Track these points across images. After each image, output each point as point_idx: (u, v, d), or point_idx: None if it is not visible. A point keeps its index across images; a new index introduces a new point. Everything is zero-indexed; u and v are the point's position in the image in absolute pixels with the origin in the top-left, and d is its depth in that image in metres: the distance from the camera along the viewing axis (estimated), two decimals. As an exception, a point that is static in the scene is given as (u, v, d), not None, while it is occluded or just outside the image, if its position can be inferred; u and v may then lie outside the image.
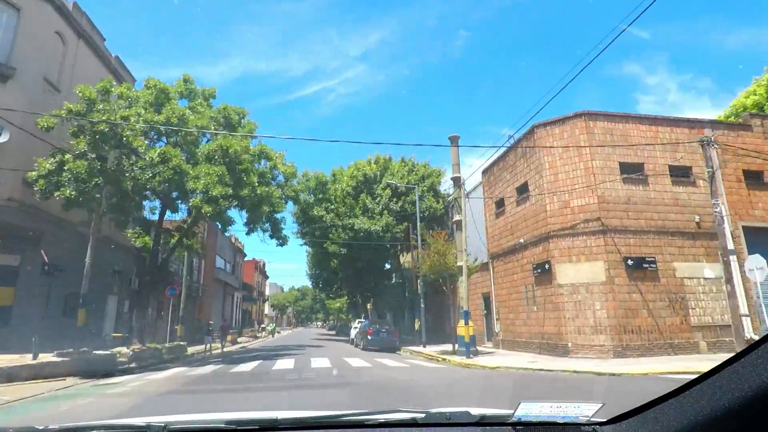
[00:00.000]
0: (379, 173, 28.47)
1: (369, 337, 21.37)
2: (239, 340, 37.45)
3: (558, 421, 1.60)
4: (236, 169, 16.03)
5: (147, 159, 14.23)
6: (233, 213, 22.36)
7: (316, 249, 35.86)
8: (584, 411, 1.58)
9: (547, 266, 16.41)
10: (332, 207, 31.05)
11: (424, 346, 22.70)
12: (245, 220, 18.64)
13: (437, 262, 18.41)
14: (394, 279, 40.66)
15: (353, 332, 27.43)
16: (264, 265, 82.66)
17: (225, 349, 26.57)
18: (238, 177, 15.93)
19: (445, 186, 28.92)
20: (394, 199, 26.82)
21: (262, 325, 57.94)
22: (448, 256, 18.51)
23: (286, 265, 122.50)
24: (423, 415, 1.76)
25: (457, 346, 18.04)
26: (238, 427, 1.72)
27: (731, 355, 1.07)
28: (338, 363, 13.57)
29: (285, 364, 13.37)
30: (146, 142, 14.88)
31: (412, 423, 1.75)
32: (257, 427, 1.75)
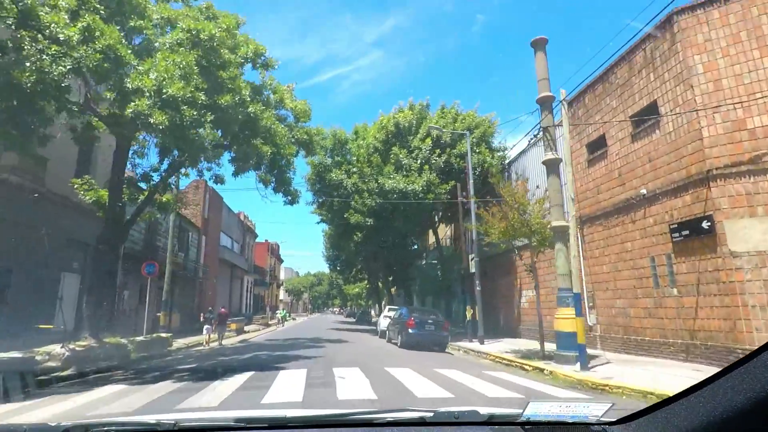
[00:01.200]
0: (414, 122, 22.40)
1: (410, 331, 15.58)
2: (247, 329, 32.29)
3: (567, 421, 1.58)
4: (214, 73, 10.18)
5: (63, 39, 8.47)
6: (224, 165, 16.71)
7: (334, 223, 30.10)
8: (594, 411, 1.55)
9: (705, 225, 10.30)
10: (354, 169, 25.18)
11: (482, 343, 16.88)
12: (232, 156, 12.85)
13: (517, 223, 12.42)
14: (425, 260, 34.85)
15: (383, 322, 21.71)
16: (278, 248, 77.65)
17: (224, 341, 21.38)
18: (218, 83, 10.08)
19: (499, 140, 22.73)
20: (437, 151, 20.72)
21: (277, 312, 52.71)
22: (532, 215, 12.52)
23: (301, 252, 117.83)
24: (431, 414, 1.73)
25: (551, 347, 12.17)
26: (248, 425, 1.70)
27: None
28: (383, 383, 7.75)
29: (290, 383, 7.64)
30: (68, 20, 9.06)
31: (421, 422, 1.72)
32: (266, 425, 1.73)
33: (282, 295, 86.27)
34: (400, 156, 21.24)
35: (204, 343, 20.57)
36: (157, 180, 14.43)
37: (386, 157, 22.67)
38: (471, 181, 18.19)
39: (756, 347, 1.00)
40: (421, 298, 35.96)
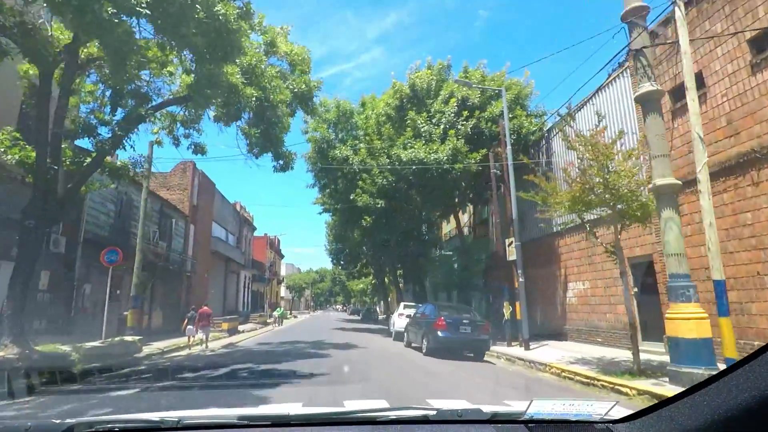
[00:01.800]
0: (434, 83, 18.78)
1: (440, 334, 12.00)
2: (242, 328, 28.93)
3: (571, 419, 1.57)
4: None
5: None
6: (205, 132, 13.12)
7: (339, 209, 26.57)
8: (598, 409, 1.55)
9: None
10: (362, 145, 21.65)
11: (527, 348, 13.37)
12: (188, 80, 9.31)
13: (598, 185, 8.83)
14: (439, 251, 31.30)
15: (398, 322, 18.18)
16: (279, 242, 74.21)
17: (210, 344, 18.10)
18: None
19: (535, 103, 19.11)
20: (465, 113, 17.07)
21: (275, 310, 49.17)
22: (621, 173, 8.90)
23: (304, 249, 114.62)
24: (434, 413, 1.73)
25: (612, 353, 8.59)
26: (251, 423, 1.70)
27: None
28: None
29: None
30: None
31: (424, 420, 1.71)
32: (269, 423, 1.73)
33: (283, 292, 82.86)
34: (418, 121, 17.63)
35: (188, 346, 17.34)
36: (106, 135, 10.90)
37: (401, 128, 19.07)
38: (509, 145, 14.61)
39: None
40: (434, 294, 32.37)
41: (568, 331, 16.46)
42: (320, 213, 33.61)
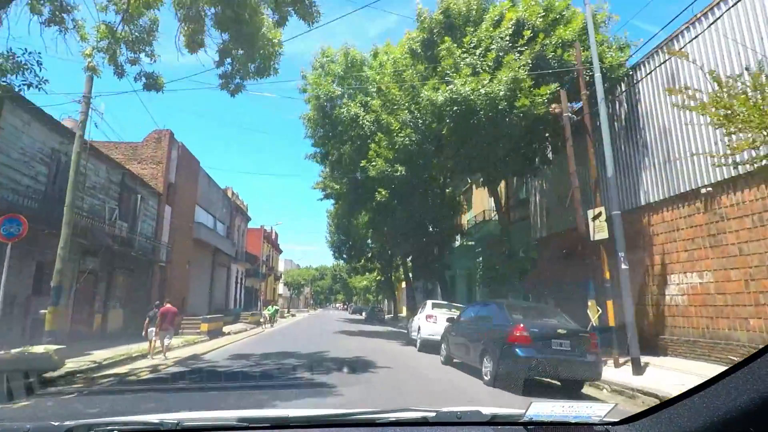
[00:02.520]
0: (475, 8, 13.94)
1: (520, 352, 7.16)
2: (228, 329, 24.51)
3: (570, 421, 1.54)
4: None
5: None
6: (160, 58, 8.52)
7: (345, 182, 21.80)
8: (597, 411, 1.52)
9: None
10: (371, 101, 16.98)
11: (637, 371, 8.70)
12: None
13: None
14: (464, 240, 26.57)
15: (425, 326, 13.38)
16: (276, 236, 69.45)
17: (170, 353, 13.77)
18: None
19: (614, 31, 14.22)
20: (526, 33, 12.01)
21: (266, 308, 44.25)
22: None
23: (303, 247, 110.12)
24: (434, 414, 1.70)
25: None
26: (250, 425, 1.67)
27: None
28: None
29: None
30: None
31: (423, 422, 1.69)
32: (269, 425, 1.70)
33: (281, 289, 78.12)
34: (456, 54, 12.79)
35: (145, 355, 13.00)
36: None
37: (429, 70, 14.26)
38: (598, 72, 9.87)
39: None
40: (452, 292, 27.47)
41: (669, 343, 11.72)
42: (321, 199, 28.85)
